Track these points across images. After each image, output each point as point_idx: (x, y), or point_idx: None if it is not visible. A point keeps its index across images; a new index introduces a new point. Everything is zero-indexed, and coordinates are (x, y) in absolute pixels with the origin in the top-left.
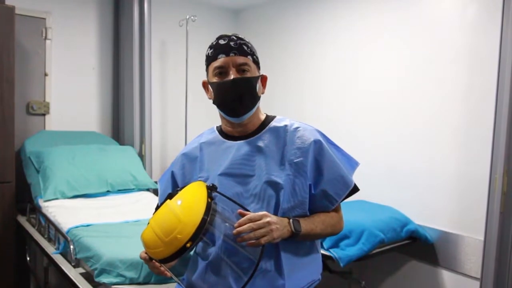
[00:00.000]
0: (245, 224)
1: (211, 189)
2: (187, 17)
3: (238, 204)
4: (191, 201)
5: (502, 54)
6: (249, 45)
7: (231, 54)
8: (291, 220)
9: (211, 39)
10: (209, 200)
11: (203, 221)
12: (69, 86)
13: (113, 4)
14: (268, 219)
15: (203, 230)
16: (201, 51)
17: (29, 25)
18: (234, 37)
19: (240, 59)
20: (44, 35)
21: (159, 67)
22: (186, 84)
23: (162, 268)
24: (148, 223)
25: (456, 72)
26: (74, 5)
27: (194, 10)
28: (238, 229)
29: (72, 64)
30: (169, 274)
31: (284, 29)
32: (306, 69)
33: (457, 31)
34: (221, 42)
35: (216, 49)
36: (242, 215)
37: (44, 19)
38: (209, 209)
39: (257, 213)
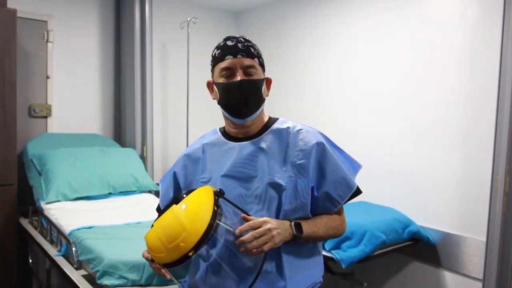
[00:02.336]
0: (245, 230)
1: (218, 195)
2: (188, 19)
3: (244, 212)
4: (197, 208)
5: (503, 54)
6: (256, 48)
7: (238, 56)
8: (292, 223)
9: (212, 41)
10: (215, 208)
11: (208, 231)
12: (71, 88)
13: (114, 7)
14: (268, 225)
15: (207, 239)
16: (202, 53)
17: (30, 28)
18: (241, 39)
19: (247, 61)
20: (45, 37)
21: (161, 69)
22: (187, 86)
23: (163, 271)
24: (152, 225)
25: (457, 72)
26: (76, 8)
27: (195, 12)
28: (240, 239)
29: (74, 66)
30: (169, 276)
31: (284, 31)
32: (306, 70)
33: (458, 31)
34: (229, 43)
35: (224, 50)
36: (246, 219)
37: (46, 22)
38: (215, 218)
39: (257, 220)
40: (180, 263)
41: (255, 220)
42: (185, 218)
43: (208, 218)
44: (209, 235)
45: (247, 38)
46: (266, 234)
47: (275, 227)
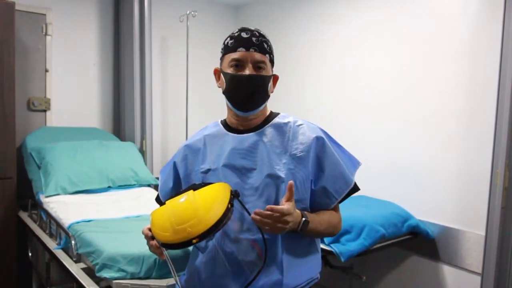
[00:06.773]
0: (265, 216)
1: (234, 195)
2: (188, 12)
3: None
4: (213, 201)
5: (503, 48)
6: (269, 44)
7: (251, 50)
8: (302, 220)
9: (212, 35)
10: (229, 206)
11: (217, 224)
12: (70, 82)
13: (113, 0)
14: (289, 218)
15: (214, 232)
16: (202, 46)
17: (29, 21)
18: (256, 33)
19: (259, 56)
20: (44, 31)
21: (160, 63)
22: (186, 80)
23: (159, 250)
24: (164, 203)
25: (457, 66)
26: (74, 1)
27: (195, 5)
28: (258, 211)
29: (73, 60)
30: (164, 257)
31: (284, 25)
32: (306, 65)
33: (458, 25)
34: (243, 35)
35: (237, 41)
36: (272, 210)
37: (44, 15)
38: (226, 215)
39: (285, 207)
40: (180, 247)
41: (282, 207)
42: (201, 206)
43: (221, 213)
44: (217, 229)
45: (261, 32)
46: (282, 223)
47: (292, 221)
